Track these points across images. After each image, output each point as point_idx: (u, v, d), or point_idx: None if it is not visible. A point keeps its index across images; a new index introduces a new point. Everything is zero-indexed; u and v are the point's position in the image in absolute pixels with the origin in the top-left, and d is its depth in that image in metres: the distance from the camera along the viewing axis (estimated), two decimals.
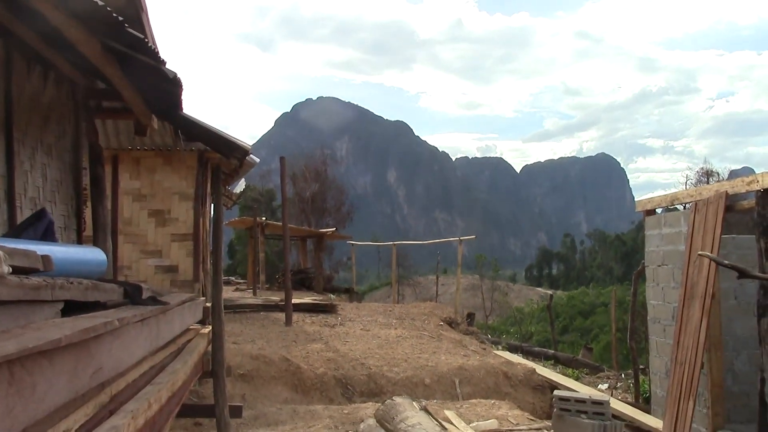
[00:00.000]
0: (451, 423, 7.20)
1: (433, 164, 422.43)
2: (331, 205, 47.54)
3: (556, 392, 7.47)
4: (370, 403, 8.22)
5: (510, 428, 7.42)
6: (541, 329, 44.15)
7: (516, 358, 11.98)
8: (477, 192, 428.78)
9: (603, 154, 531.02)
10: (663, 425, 8.12)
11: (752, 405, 8.89)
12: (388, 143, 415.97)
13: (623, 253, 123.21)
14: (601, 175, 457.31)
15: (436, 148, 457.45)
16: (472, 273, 72.96)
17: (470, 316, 20.39)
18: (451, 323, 16.21)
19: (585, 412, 7.23)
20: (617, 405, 9.22)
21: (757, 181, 6.98)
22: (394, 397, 6.84)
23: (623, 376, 16.82)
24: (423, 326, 13.97)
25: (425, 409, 6.37)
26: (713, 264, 7.42)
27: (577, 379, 16.08)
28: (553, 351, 20.31)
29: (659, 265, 9.21)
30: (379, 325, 13.42)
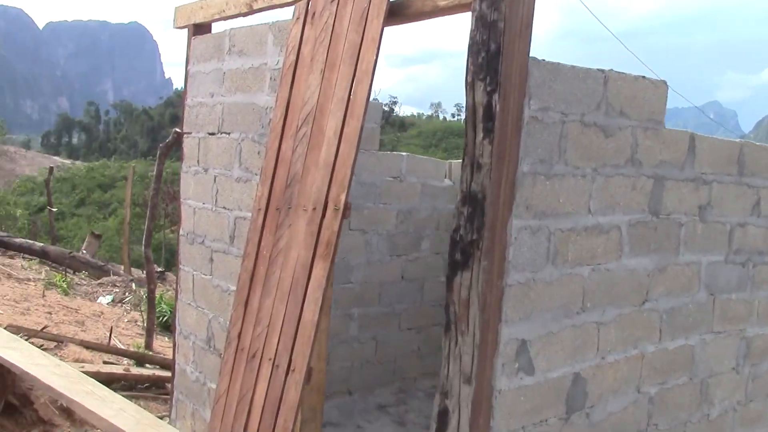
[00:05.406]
0: None
1: None
2: None
3: None
4: None
5: None
6: (54, 201, 37.78)
7: None
8: None
9: (136, 23, 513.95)
10: None
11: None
12: None
13: (150, 128, 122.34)
14: (133, 44, 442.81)
15: None
16: None
17: None
18: None
19: None
20: (118, 419, 4.46)
21: None
22: None
23: (134, 285, 12.55)
24: None
25: None
26: (354, 129, 3.10)
27: (68, 288, 11.25)
28: (42, 244, 14.97)
29: (213, 133, 4.57)
30: None
